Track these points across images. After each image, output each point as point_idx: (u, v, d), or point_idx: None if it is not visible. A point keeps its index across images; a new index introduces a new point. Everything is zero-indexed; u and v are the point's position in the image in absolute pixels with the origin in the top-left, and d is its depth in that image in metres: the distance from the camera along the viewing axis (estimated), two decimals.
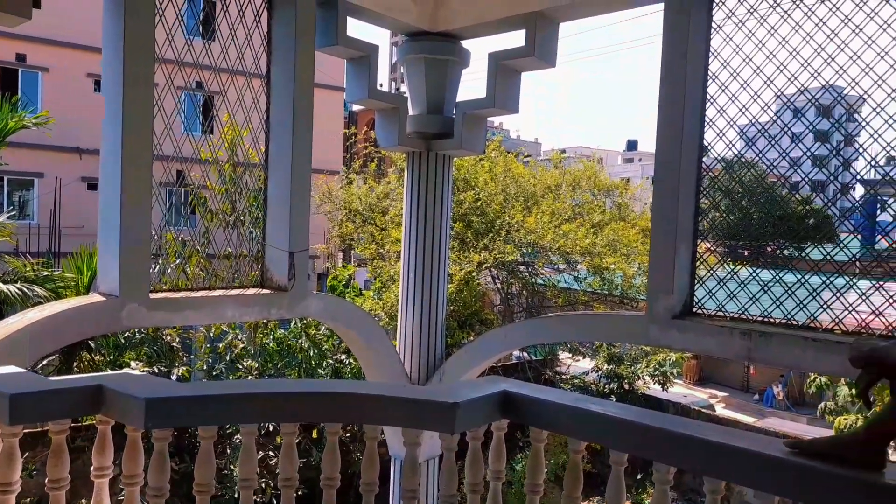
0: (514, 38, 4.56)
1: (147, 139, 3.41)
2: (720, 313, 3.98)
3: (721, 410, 17.80)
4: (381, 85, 5.35)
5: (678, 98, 3.78)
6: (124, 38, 3.26)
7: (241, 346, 9.79)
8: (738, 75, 3.70)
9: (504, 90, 4.62)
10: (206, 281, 4.02)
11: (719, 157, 3.92)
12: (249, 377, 9.31)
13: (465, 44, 4.96)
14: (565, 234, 10.59)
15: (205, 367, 9.89)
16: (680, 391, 18.36)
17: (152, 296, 3.51)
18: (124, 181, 3.32)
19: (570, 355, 14.97)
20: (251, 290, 4.00)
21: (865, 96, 3.36)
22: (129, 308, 3.37)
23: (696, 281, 4.05)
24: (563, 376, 14.81)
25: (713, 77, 3.79)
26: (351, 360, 9.65)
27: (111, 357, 8.96)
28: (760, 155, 3.85)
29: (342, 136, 17.29)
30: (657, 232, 4.01)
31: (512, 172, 12.01)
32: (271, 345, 9.84)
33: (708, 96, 3.84)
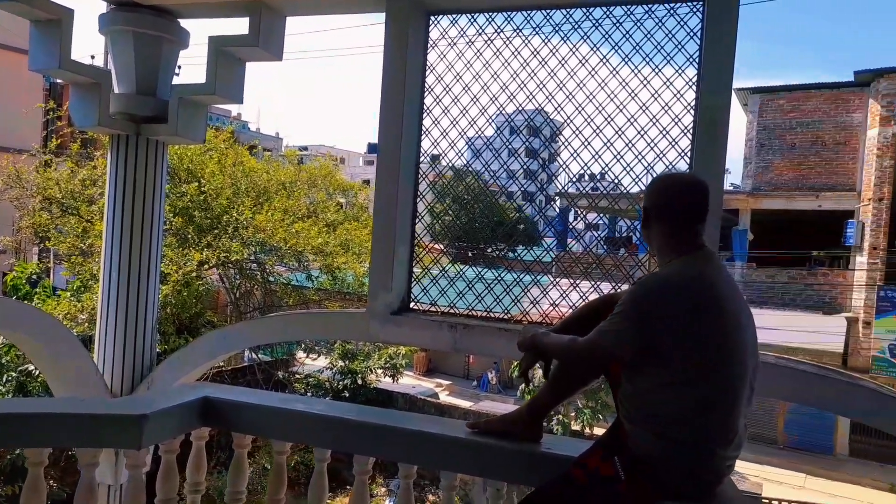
0: (241, 26, 4.34)
1: None
2: (433, 308, 4.30)
3: (445, 398, 19.34)
4: (93, 57, 4.65)
5: (398, 106, 3.98)
6: None
7: None
8: (451, 90, 4.02)
9: (226, 78, 4.36)
10: None
11: (444, 164, 4.21)
12: None
13: (188, 25, 4.58)
14: (297, 232, 10.43)
15: None
16: (410, 382, 19.47)
17: None
18: None
19: (306, 354, 14.89)
20: None
21: (568, 121, 3.86)
22: None
23: (412, 279, 4.30)
24: (298, 376, 14.66)
25: (429, 89, 4.07)
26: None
27: None
28: (468, 165, 4.26)
29: (41, 111, 14.73)
30: (378, 233, 4.16)
31: (244, 166, 11.44)
32: None
33: (426, 106, 4.11)
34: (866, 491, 13.79)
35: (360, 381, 14.49)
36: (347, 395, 14.01)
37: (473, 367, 22.59)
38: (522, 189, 4.32)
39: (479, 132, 4.14)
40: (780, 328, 15.26)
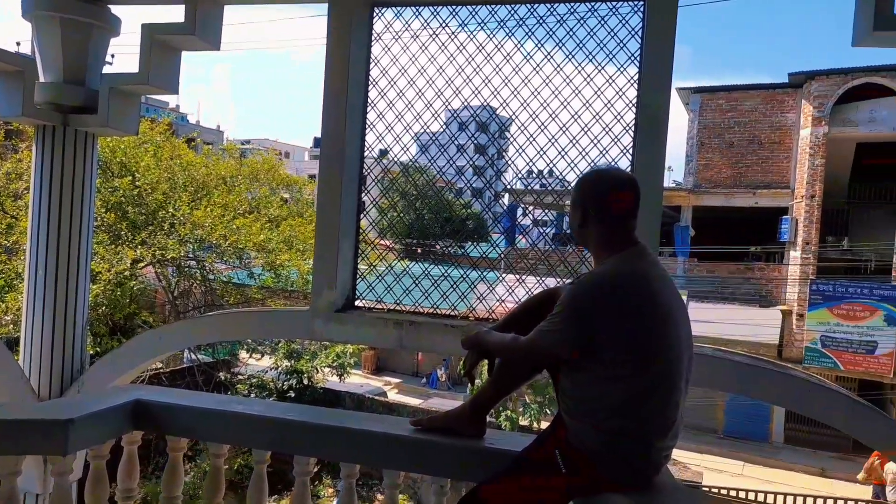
0: (177, 13, 4.17)
1: None
2: (379, 306, 4.24)
3: (394, 396, 19.27)
4: (18, 44, 4.38)
5: (341, 99, 3.90)
6: None
7: None
8: (396, 84, 3.97)
9: (160, 67, 4.18)
10: None
11: (391, 159, 4.15)
12: None
13: (120, 12, 4.37)
14: (238, 228, 10.13)
15: None
16: (358, 381, 19.31)
17: None
18: None
19: (249, 354, 14.54)
20: None
21: (514, 116, 3.86)
22: None
23: (357, 276, 4.23)
24: (241, 377, 14.32)
25: (374, 83, 4.01)
26: None
27: None
28: (415, 160, 4.22)
29: None
30: (321, 228, 4.07)
31: (181, 159, 11.02)
32: None
33: (370, 100, 4.05)
34: (800, 476, 14.46)
35: (306, 381, 14.25)
36: (293, 395, 13.77)
37: (423, 364, 22.58)
38: (469, 185, 4.32)
39: (425, 127, 4.11)
40: (719, 321, 15.82)
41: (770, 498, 11.23)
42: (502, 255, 4.43)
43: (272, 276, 11.12)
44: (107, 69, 4.55)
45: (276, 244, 10.61)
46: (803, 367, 14.87)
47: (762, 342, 15.76)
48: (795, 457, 15.74)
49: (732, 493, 11.58)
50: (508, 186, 4.59)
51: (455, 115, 4.07)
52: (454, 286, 4.17)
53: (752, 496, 11.41)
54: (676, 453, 14.26)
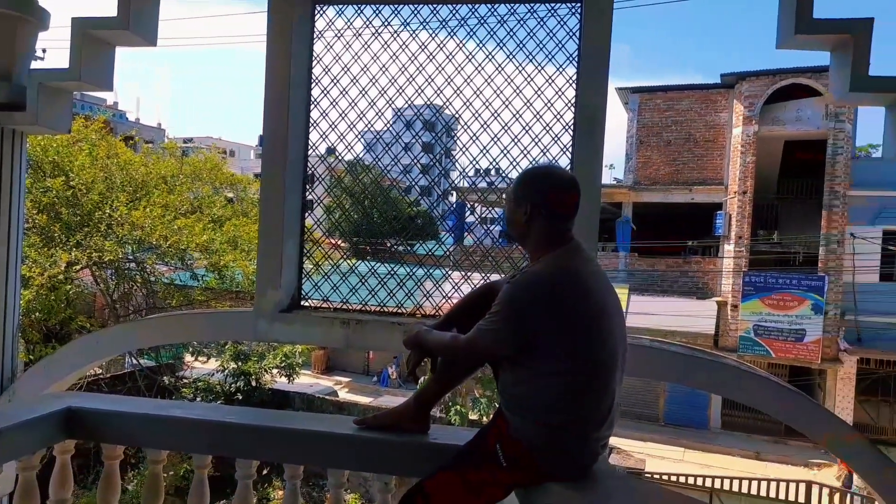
0: (110, 7, 4.03)
1: None
2: (325, 305, 4.21)
3: (344, 395, 19.13)
4: None
5: (283, 97, 3.85)
6: None
7: None
8: (339, 82, 3.95)
9: (92, 63, 4.03)
10: None
11: (337, 157, 4.13)
12: None
13: (49, 5, 4.18)
14: (180, 229, 9.83)
15: None
16: (308, 381, 19.07)
17: None
18: None
19: (194, 357, 14.17)
20: None
21: (457, 115, 3.88)
22: None
23: (303, 275, 4.19)
24: (186, 380, 13.95)
25: (316, 80, 3.97)
26: None
27: None
28: (359, 159, 4.20)
29: None
30: (265, 228, 4.02)
31: (119, 158, 10.61)
32: None
33: (313, 98, 4.01)
34: (736, 460, 15.10)
35: (254, 383, 14.00)
36: (241, 397, 13.51)
37: (374, 362, 22.47)
38: (413, 183, 4.33)
39: (369, 125, 4.10)
40: (660, 314, 16.35)
41: (708, 482, 11.70)
42: (448, 253, 4.47)
43: (216, 277, 10.84)
44: (38, 64, 4.37)
45: (220, 245, 10.33)
46: (738, 356, 15.54)
47: (699, 332, 16.38)
48: (732, 441, 16.44)
49: (673, 478, 12.01)
50: (453, 185, 4.63)
51: (399, 113, 4.08)
52: (400, 283, 4.19)
53: (692, 481, 11.86)
54: (621, 442, 14.70)
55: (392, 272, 4.19)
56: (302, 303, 4.18)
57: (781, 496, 11.21)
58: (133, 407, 2.25)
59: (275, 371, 14.51)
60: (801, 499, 11.13)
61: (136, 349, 10.48)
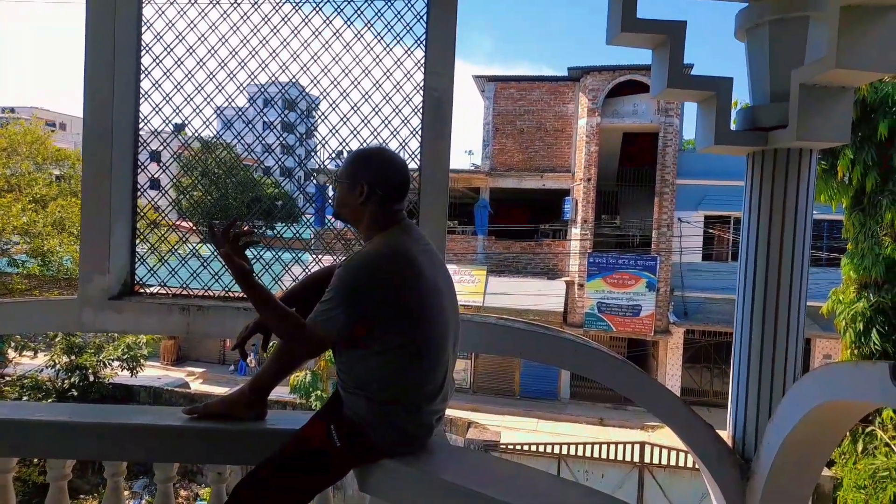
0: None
1: None
2: (163, 291, 3.93)
3: (198, 386, 18.15)
4: None
5: (107, 63, 3.51)
6: None
7: None
8: (173, 51, 3.66)
9: None
10: None
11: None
12: None
13: None
14: None
15: None
16: (155, 374, 17.86)
17: None
18: None
19: (17, 352, 12.69)
20: None
21: (324, 94, 3.72)
22: None
23: (136, 259, 3.88)
24: (9, 378, 12.48)
25: (147, 48, 3.66)
26: None
27: None
28: (196, 133, 3.94)
29: None
30: (89, 209, 3.64)
31: None
32: None
33: (143, 66, 3.68)
34: (583, 426, 16.32)
35: (91, 378, 12.83)
36: (76, 394, 12.33)
37: (230, 351, 21.47)
38: (260, 163, 4.15)
39: (209, 99, 3.86)
40: (514, 293, 17.16)
41: (556, 449, 12.55)
42: (296, 236, 4.34)
43: (39, 263, 9.71)
44: None
45: (44, 227, 9.25)
46: (584, 331, 16.77)
47: (550, 310, 17.45)
48: (579, 410, 17.75)
49: (525, 447, 12.75)
50: (301, 164, 4.50)
51: (241, 87, 3.87)
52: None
53: (542, 449, 12.65)
54: (479, 416, 15.32)
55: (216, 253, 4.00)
56: (135, 289, 3.87)
57: (620, 457, 12.32)
58: None
59: (116, 364, 13.39)
60: (636, 458, 12.30)
61: None
